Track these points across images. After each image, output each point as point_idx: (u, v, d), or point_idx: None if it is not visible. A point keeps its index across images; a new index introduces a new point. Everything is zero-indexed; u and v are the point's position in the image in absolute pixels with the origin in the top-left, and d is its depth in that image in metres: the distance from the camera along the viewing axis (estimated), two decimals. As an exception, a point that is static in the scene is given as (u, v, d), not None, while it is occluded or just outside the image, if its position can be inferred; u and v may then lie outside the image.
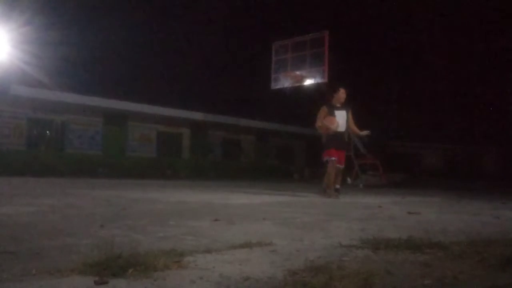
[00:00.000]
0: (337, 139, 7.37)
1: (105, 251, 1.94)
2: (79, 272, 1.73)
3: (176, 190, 8.81)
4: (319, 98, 16.79)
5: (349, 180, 16.40)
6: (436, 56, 23.31)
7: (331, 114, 7.28)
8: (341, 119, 7.27)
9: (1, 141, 16.30)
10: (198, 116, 21.48)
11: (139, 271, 1.74)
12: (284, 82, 15.66)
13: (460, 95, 23.66)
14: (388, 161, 18.63)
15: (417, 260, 2.15)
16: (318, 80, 14.66)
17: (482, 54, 22.48)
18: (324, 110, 7.36)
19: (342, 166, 7.59)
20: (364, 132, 8.09)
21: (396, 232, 2.98)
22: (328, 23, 18.32)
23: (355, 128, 7.69)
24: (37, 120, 17.50)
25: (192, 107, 21.10)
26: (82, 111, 18.18)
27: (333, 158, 7.39)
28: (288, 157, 26.45)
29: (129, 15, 25.00)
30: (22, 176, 12.78)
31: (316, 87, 15.48)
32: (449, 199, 8.02)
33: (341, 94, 7.40)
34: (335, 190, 8.37)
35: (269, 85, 15.94)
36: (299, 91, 16.38)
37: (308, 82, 15.09)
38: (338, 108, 7.35)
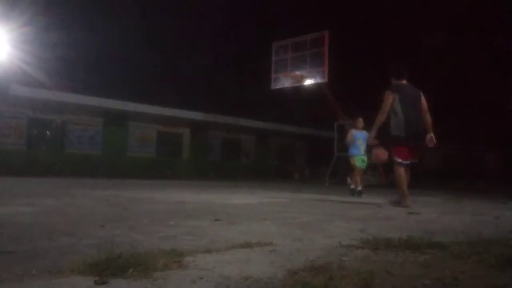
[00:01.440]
0: None
1: (105, 251, 1.94)
2: (79, 272, 1.73)
3: (176, 190, 8.81)
4: (320, 98, 16.86)
5: (349, 180, 16.40)
6: (437, 56, 23.31)
7: None
8: None
9: (1, 141, 16.30)
10: (198, 116, 21.48)
11: (139, 271, 1.74)
12: (284, 82, 15.67)
13: (460, 95, 23.66)
14: (388, 161, 18.61)
15: (417, 260, 2.15)
16: (318, 80, 14.67)
17: (483, 54, 22.50)
18: None
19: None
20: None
21: (396, 232, 2.98)
22: (328, 23, 18.31)
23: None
24: (37, 120, 17.49)
25: (192, 107, 21.10)
26: (82, 111, 18.17)
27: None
28: (288, 157, 26.45)
29: (129, 15, 24.99)
30: (22, 176, 12.78)
31: (316, 87, 15.49)
32: (449, 199, 8.02)
33: None
34: (358, 191, 8.17)
35: (269, 85, 15.94)
36: (299, 91, 16.39)
37: (308, 82, 15.10)
38: None
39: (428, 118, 5.77)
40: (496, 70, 22.14)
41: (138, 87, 22.85)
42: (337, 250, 2.37)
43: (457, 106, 23.66)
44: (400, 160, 5.72)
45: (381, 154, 7.84)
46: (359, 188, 8.26)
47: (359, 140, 8.33)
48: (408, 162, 5.76)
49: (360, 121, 8.52)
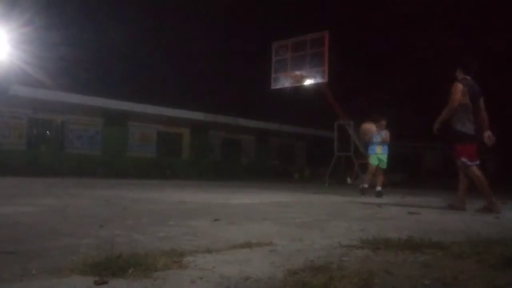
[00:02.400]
0: None
1: (105, 251, 1.94)
2: (79, 272, 1.73)
3: (176, 190, 8.81)
4: (320, 98, 16.87)
5: (349, 180, 16.41)
6: (436, 56, 23.34)
7: None
8: None
9: (1, 141, 16.30)
10: (198, 116, 21.48)
11: (139, 271, 1.74)
12: (284, 82, 15.66)
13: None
14: (388, 161, 18.60)
15: (417, 260, 2.15)
16: (318, 80, 14.66)
17: (483, 54, 22.51)
18: None
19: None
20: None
21: (396, 232, 2.98)
22: (328, 23, 18.32)
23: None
24: (37, 120, 17.49)
25: (192, 107, 21.09)
26: (82, 111, 18.17)
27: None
28: (288, 157, 26.45)
29: (129, 15, 25.00)
30: (22, 176, 12.78)
31: (316, 87, 15.49)
32: (449, 199, 8.01)
33: None
34: (362, 188, 8.06)
35: (269, 85, 15.94)
36: (299, 91, 16.38)
37: (308, 82, 15.09)
38: None
39: (485, 115, 5.48)
40: (497, 69, 22.15)
41: (138, 87, 22.85)
42: (337, 250, 2.37)
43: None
44: (471, 161, 5.26)
45: (369, 129, 7.58)
46: (365, 185, 8.20)
47: (376, 138, 8.19)
48: (478, 162, 5.31)
49: (383, 124, 8.28)
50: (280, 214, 4.40)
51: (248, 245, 2.40)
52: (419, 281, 1.74)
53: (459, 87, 5.36)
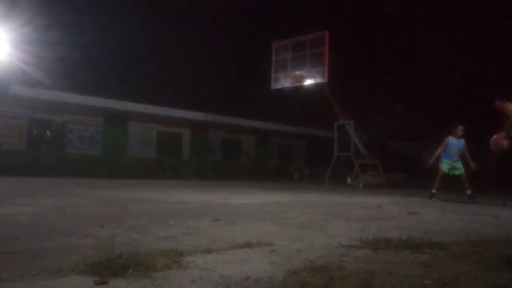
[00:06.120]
0: None
1: (105, 251, 1.94)
2: (79, 272, 1.73)
3: (176, 190, 8.81)
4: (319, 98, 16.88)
5: (349, 180, 16.40)
6: (437, 56, 23.33)
7: None
8: None
9: (1, 141, 16.29)
10: (198, 116, 21.49)
11: (139, 271, 1.74)
12: (284, 82, 15.66)
13: (460, 94, 23.67)
14: (388, 161, 18.61)
15: (417, 260, 2.15)
16: (318, 80, 14.66)
17: (483, 53, 22.49)
18: None
19: None
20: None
21: (396, 232, 2.98)
22: (328, 23, 18.30)
23: None
24: (37, 120, 17.48)
25: (192, 107, 21.09)
26: (82, 111, 18.17)
27: None
28: (288, 157, 26.45)
29: (129, 15, 24.97)
30: (22, 176, 12.78)
31: (316, 87, 15.49)
32: (449, 199, 8.02)
33: None
34: (470, 196, 7.87)
35: (269, 85, 15.94)
36: (299, 91, 16.38)
37: (308, 82, 15.09)
38: None
39: None
40: (497, 68, 22.16)
41: (138, 87, 22.84)
42: (337, 250, 2.37)
43: (457, 106, 23.69)
44: None
45: (499, 141, 6.86)
46: (434, 191, 8.03)
47: (453, 148, 8.12)
48: None
49: (460, 129, 8.25)
50: (280, 214, 4.41)
51: (248, 245, 2.41)
52: (419, 281, 1.74)
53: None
